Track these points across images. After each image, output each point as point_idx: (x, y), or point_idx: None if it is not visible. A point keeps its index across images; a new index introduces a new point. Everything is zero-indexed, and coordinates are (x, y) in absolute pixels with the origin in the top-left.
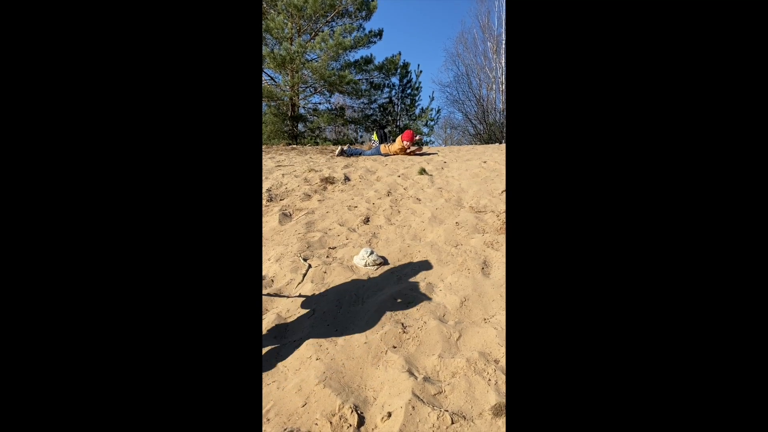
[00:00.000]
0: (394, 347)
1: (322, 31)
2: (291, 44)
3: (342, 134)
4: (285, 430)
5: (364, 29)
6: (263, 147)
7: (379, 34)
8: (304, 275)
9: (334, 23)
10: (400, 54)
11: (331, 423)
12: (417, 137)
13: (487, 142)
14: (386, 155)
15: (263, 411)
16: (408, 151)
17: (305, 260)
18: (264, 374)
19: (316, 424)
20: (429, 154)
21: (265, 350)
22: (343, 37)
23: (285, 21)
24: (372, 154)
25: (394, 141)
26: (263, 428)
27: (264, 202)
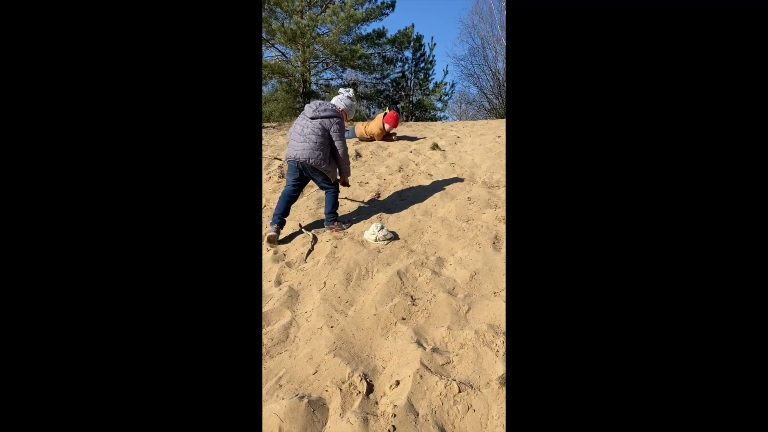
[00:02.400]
0: (404, 319)
1: (333, 3)
2: (302, 17)
3: (354, 110)
4: (296, 395)
5: (375, 0)
6: (275, 124)
7: (392, 5)
8: (313, 243)
9: None
10: (413, 26)
11: (341, 390)
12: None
13: (503, 117)
14: (362, 139)
15: (276, 378)
16: (390, 133)
17: (308, 230)
18: (276, 344)
19: (327, 390)
20: (416, 138)
21: (277, 321)
22: (355, 9)
23: None
24: (348, 137)
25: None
26: (276, 394)
27: (276, 179)
